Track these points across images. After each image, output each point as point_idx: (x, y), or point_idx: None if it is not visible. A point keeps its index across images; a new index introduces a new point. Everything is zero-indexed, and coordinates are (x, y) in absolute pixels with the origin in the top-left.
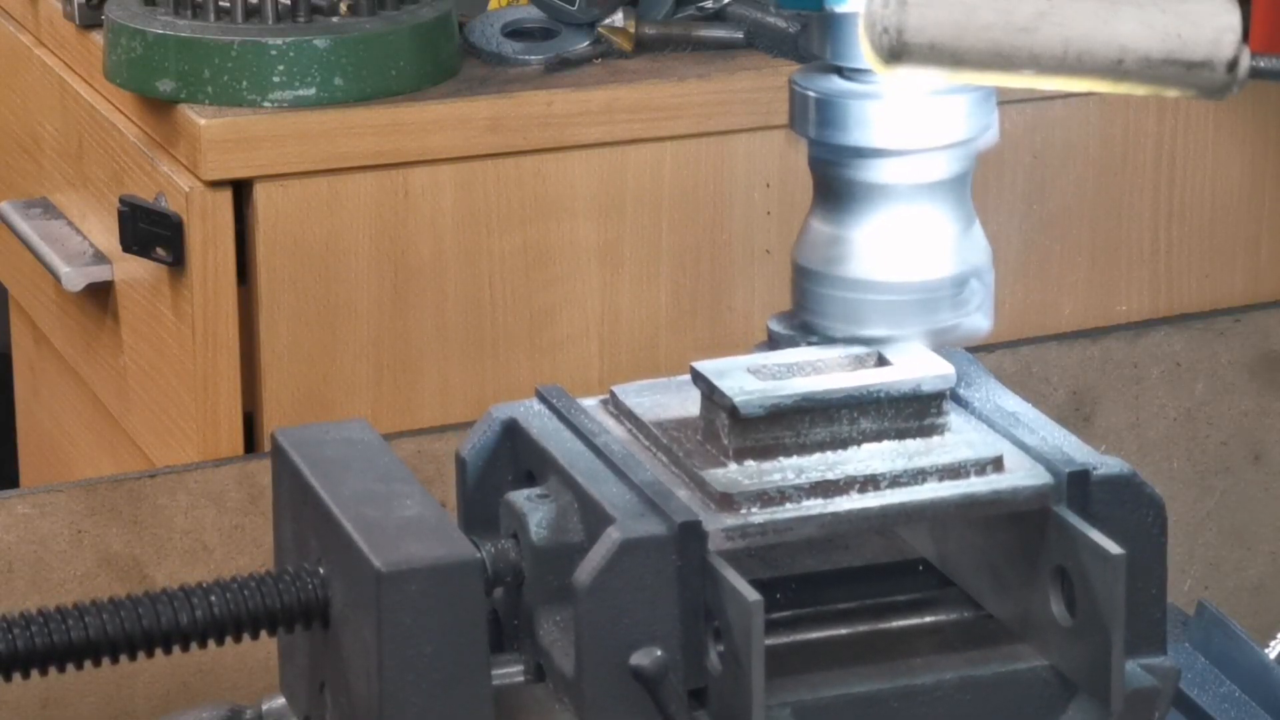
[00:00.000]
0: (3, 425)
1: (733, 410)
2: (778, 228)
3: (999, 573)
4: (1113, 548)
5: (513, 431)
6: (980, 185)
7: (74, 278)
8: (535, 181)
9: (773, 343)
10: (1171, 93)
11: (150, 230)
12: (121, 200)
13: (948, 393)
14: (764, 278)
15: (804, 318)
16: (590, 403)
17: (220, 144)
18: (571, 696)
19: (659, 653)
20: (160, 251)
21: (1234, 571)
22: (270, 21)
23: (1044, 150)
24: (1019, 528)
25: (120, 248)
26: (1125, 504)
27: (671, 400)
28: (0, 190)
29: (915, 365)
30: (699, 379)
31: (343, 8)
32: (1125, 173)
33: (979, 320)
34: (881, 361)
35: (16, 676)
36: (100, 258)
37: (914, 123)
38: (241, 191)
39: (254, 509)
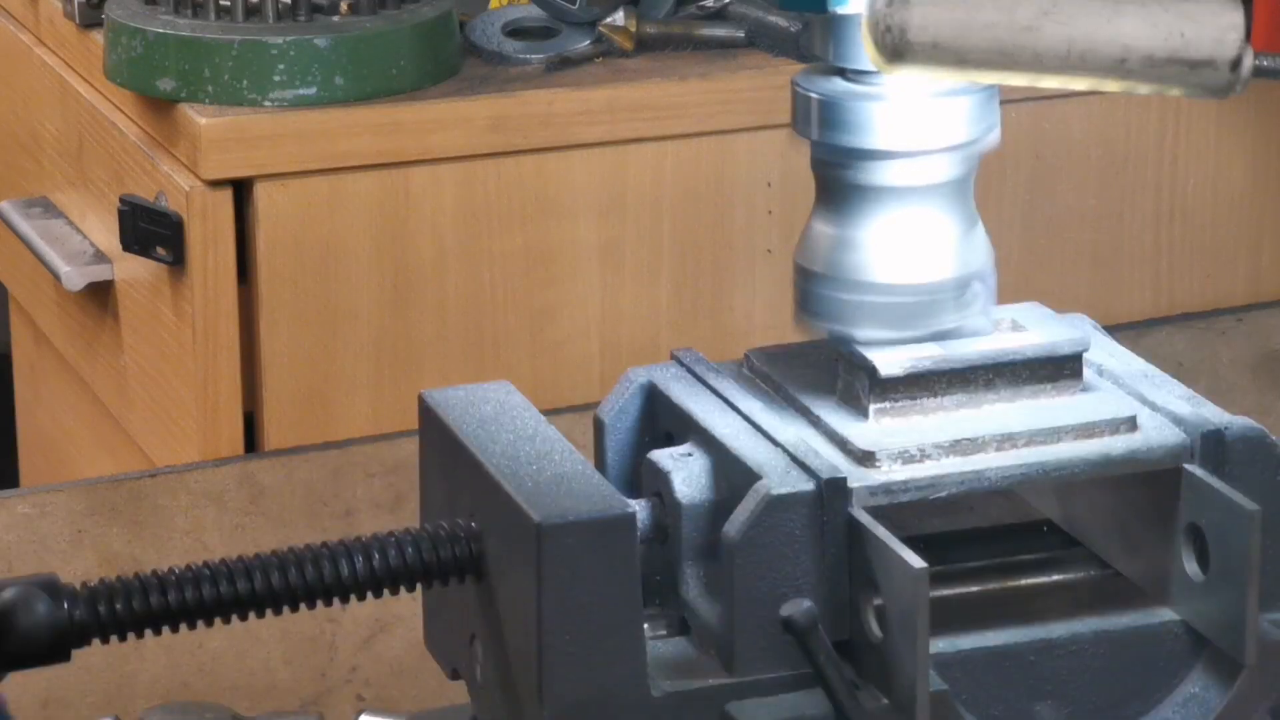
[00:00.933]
0: (3, 425)
1: (872, 371)
2: (779, 227)
3: (1128, 531)
4: (1248, 504)
5: (651, 394)
6: (982, 186)
7: (74, 277)
8: (536, 181)
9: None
10: (1174, 92)
11: (150, 230)
12: (121, 200)
13: (1082, 355)
14: (765, 277)
15: (805, 319)
16: (726, 366)
17: (220, 143)
18: (719, 649)
19: (808, 604)
20: (160, 251)
21: None
22: (271, 20)
23: (1045, 150)
24: (1149, 487)
25: (120, 247)
26: (1257, 463)
27: (806, 364)
28: (0, 190)
29: (1049, 329)
30: (836, 341)
31: (343, 7)
32: (1127, 173)
33: (981, 322)
34: (1016, 326)
35: (22, 674)
36: (100, 257)
37: (917, 124)
38: (241, 191)
39: (254, 509)
